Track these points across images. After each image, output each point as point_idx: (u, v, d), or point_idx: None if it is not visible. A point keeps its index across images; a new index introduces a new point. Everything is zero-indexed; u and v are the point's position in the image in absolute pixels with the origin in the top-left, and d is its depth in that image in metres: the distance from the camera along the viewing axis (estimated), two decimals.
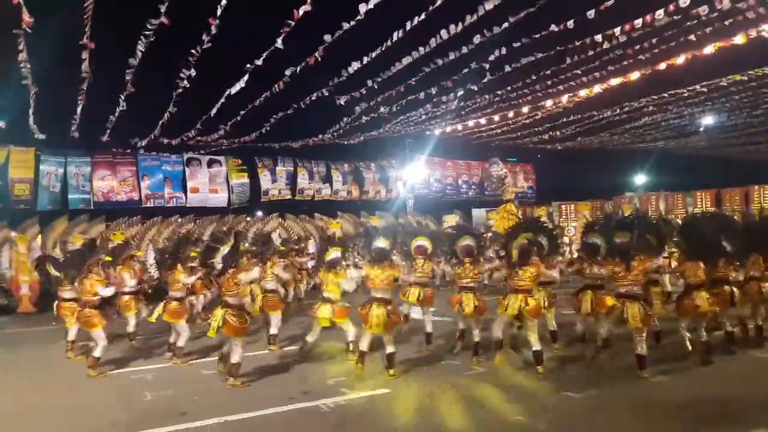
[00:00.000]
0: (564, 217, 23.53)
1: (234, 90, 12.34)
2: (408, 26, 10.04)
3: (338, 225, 19.54)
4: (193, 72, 11.29)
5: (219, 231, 10.71)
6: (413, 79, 12.76)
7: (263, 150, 21.42)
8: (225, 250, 7.76)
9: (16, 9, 8.44)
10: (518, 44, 11.07)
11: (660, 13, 9.65)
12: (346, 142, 20.42)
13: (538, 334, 7.78)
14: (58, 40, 10.17)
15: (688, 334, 8.24)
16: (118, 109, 13.57)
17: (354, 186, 24.36)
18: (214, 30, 9.59)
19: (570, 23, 10.13)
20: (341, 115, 16.06)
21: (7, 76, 11.21)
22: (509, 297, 7.78)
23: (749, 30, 10.88)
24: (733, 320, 9.03)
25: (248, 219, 21.65)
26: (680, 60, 12.23)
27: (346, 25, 9.77)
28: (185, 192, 20.66)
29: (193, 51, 10.52)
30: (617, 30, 10.36)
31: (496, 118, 17.74)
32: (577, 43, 11.06)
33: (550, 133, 20.47)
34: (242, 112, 14.59)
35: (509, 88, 13.99)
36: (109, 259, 10.05)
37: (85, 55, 10.20)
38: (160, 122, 15.00)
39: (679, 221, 10.64)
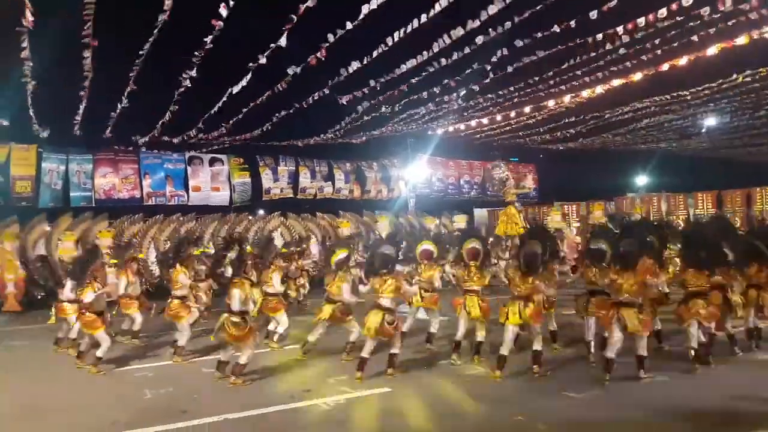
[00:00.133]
0: (567, 217, 23.54)
1: (236, 89, 12.36)
2: (410, 26, 10.05)
3: (347, 224, 19.55)
4: (195, 70, 11.31)
5: (226, 237, 10.73)
6: (415, 79, 12.77)
7: (265, 149, 21.45)
8: (232, 256, 7.81)
9: (19, 7, 8.46)
10: (520, 44, 11.07)
11: (663, 11, 9.63)
12: (349, 141, 20.42)
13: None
14: (60, 38, 10.18)
15: (689, 338, 8.23)
16: (119, 106, 13.59)
17: (356, 185, 24.37)
18: (216, 29, 9.61)
19: (572, 23, 10.13)
20: (343, 114, 16.09)
21: (9, 74, 11.24)
22: (509, 304, 7.76)
23: (752, 31, 10.87)
24: (736, 322, 9.01)
25: (250, 218, 21.65)
26: (683, 61, 12.22)
27: (348, 25, 9.78)
28: (187, 190, 20.70)
29: (195, 49, 10.54)
30: (620, 29, 10.35)
31: (499, 117, 17.74)
32: (579, 43, 11.05)
33: (552, 134, 20.46)
34: (244, 111, 14.61)
35: (512, 88, 13.99)
36: (115, 261, 10.06)
37: (87, 52, 10.22)
38: (162, 121, 15.02)
39: (681, 222, 10.62)
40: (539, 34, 10.63)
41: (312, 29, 10.11)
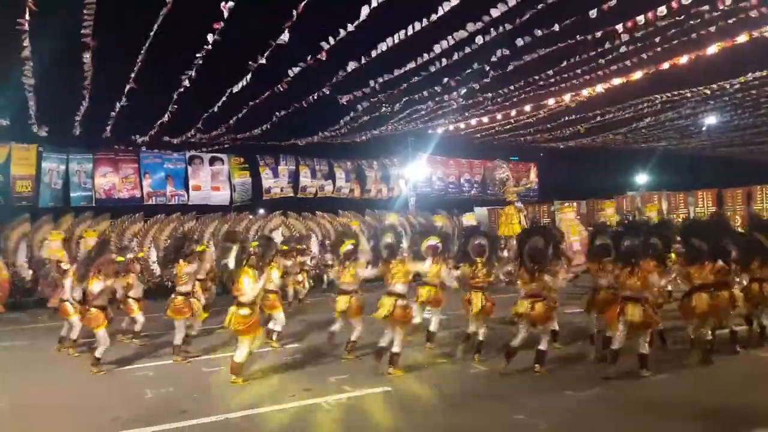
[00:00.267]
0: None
1: (236, 89, 12.36)
2: (411, 25, 10.04)
3: (356, 223, 19.58)
4: (195, 70, 11.31)
5: (231, 230, 10.73)
6: (416, 78, 12.76)
7: (265, 148, 21.45)
8: (236, 248, 7.82)
9: (19, 7, 8.46)
10: (521, 43, 11.06)
11: (662, 9, 9.62)
12: (349, 141, 20.42)
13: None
14: (60, 38, 10.18)
15: (692, 335, 8.24)
16: (119, 106, 13.59)
17: (356, 184, 24.38)
18: (217, 28, 9.60)
19: (572, 22, 10.12)
20: (344, 113, 16.08)
21: (9, 74, 11.23)
22: (519, 303, 7.79)
23: (752, 30, 10.86)
24: (738, 319, 9.03)
25: (250, 217, 21.67)
26: (683, 60, 12.21)
27: (349, 24, 9.77)
28: (187, 190, 20.70)
29: (195, 49, 10.54)
30: (620, 27, 10.35)
31: (499, 116, 17.74)
32: (579, 41, 11.04)
33: (553, 132, 20.46)
34: (244, 110, 14.61)
35: (512, 87, 13.99)
36: (122, 259, 10.04)
37: (87, 52, 10.22)
38: (163, 120, 15.02)
39: (680, 220, 10.63)
40: (539, 32, 10.62)
41: (312, 29, 10.11)
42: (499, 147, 23.28)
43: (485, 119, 18.25)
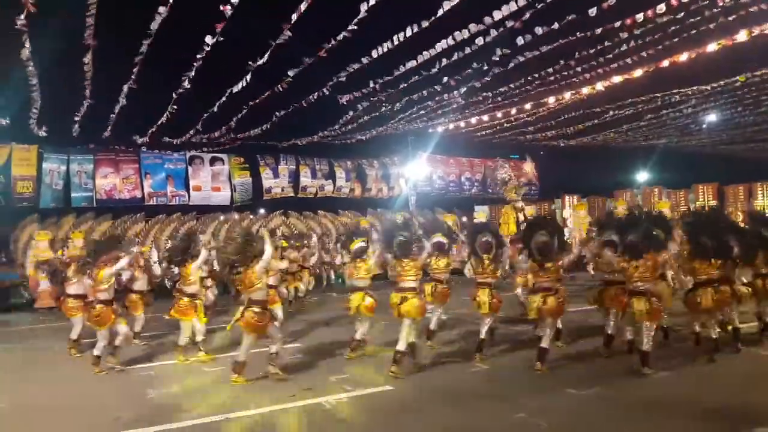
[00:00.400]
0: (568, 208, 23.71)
1: (236, 88, 12.37)
2: (411, 25, 10.04)
3: (367, 222, 19.59)
4: (195, 70, 11.31)
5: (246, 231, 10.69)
6: (416, 78, 12.77)
7: (265, 148, 21.46)
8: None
9: (19, 7, 8.45)
10: (521, 42, 11.06)
11: (662, 6, 9.62)
12: (349, 140, 20.41)
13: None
14: (61, 38, 10.18)
15: (698, 329, 8.24)
16: (120, 106, 13.59)
17: (356, 183, 24.38)
18: (217, 28, 9.61)
19: (572, 20, 10.12)
20: (344, 113, 16.08)
21: (10, 74, 11.24)
22: (531, 297, 7.82)
23: (752, 27, 10.85)
24: (742, 317, 9.04)
25: (251, 217, 21.69)
26: (683, 58, 12.21)
27: (348, 24, 9.77)
28: (188, 190, 20.72)
29: (195, 49, 10.54)
30: (619, 25, 10.34)
31: (499, 115, 17.73)
32: (580, 40, 11.04)
33: (553, 131, 20.45)
34: (245, 110, 14.62)
35: (512, 85, 13.98)
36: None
37: (87, 53, 10.22)
38: (163, 120, 15.03)
39: (676, 216, 10.68)
40: (540, 30, 10.62)
41: (312, 29, 10.11)
42: (499, 145, 23.30)
43: (485, 118, 18.25)
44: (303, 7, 9.11)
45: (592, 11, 9.72)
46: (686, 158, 27.64)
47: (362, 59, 11.41)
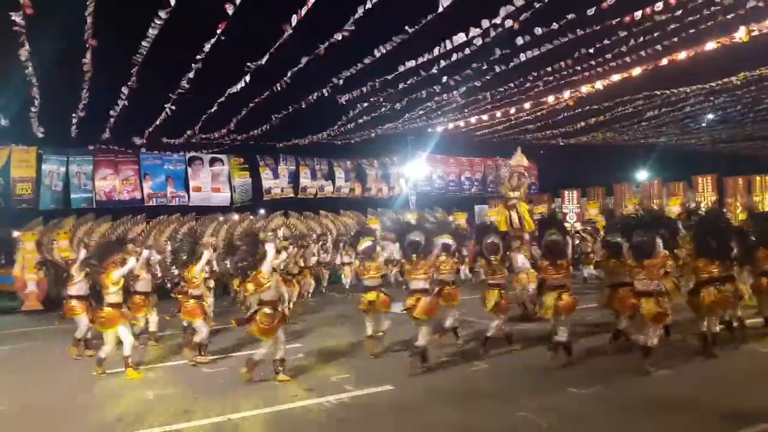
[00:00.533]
0: (568, 205, 23.79)
1: (236, 89, 12.36)
2: (410, 24, 10.03)
3: (376, 221, 19.60)
4: (195, 71, 11.30)
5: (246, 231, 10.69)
6: (415, 78, 12.76)
7: (265, 148, 21.46)
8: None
9: (18, 7, 8.44)
10: (521, 42, 11.06)
11: (659, 5, 9.62)
12: (349, 140, 20.41)
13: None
14: (60, 39, 10.18)
15: (703, 329, 8.25)
16: (119, 107, 13.58)
17: (356, 183, 24.37)
18: (217, 29, 9.60)
19: (571, 20, 10.12)
20: (343, 113, 16.08)
21: (9, 75, 11.23)
22: (545, 296, 7.84)
23: (751, 25, 10.84)
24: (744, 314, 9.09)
25: (251, 217, 21.69)
26: (682, 56, 12.21)
27: (348, 23, 9.76)
28: (188, 191, 20.71)
29: (195, 50, 10.54)
30: (616, 22, 10.34)
31: (498, 114, 17.73)
32: (579, 39, 11.03)
33: (553, 130, 20.44)
34: (244, 111, 14.62)
35: (511, 84, 13.98)
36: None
37: (87, 53, 10.21)
38: (162, 121, 15.02)
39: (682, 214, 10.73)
40: (539, 31, 10.61)
41: (311, 29, 10.09)
42: (499, 145, 23.28)
43: (485, 117, 18.24)
44: (302, 6, 9.09)
45: (591, 11, 9.71)
46: (686, 156, 27.64)
47: (362, 59, 11.40)
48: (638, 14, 9.97)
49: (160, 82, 12.73)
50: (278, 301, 7.81)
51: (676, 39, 11.18)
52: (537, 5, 9.45)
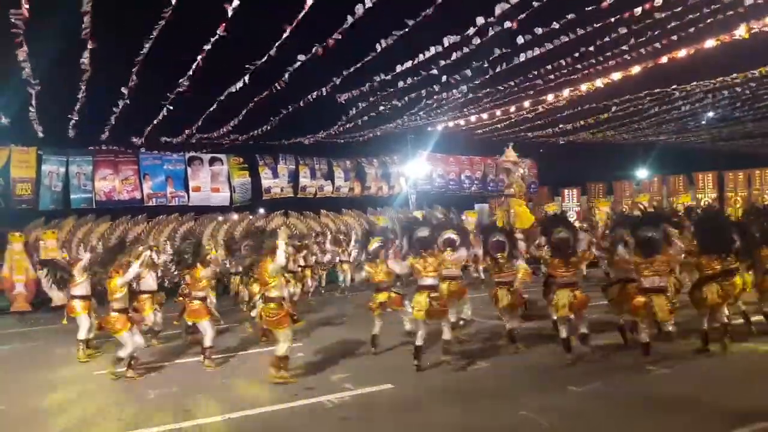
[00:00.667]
0: (568, 203, 23.86)
1: (235, 89, 12.34)
2: (410, 24, 10.01)
3: (384, 220, 19.58)
4: (194, 71, 11.28)
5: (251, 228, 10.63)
6: (415, 77, 12.74)
7: (265, 148, 21.44)
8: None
9: (17, 8, 8.43)
10: (522, 41, 11.04)
11: (659, 1, 9.61)
12: (349, 139, 20.39)
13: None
14: (59, 39, 10.15)
15: (705, 325, 8.26)
16: (119, 108, 13.56)
17: (356, 183, 24.35)
18: (216, 29, 9.58)
19: (572, 19, 10.12)
20: (343, 112, 16.06)
21: (8, 76, 11.21)
22: (558, 293, 7.84)
23: (751, 23, 10.83)
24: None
25: (250, 217, 21.69)
26: (681, 54, 12.20)
27: (347, 22, 9.74)
28: (187, 191, 20.68)
29: (194, 50, 10.52)
30: (615, 20, 10.33)
31: (498, 112, 17.72)
32: (579, 38, 11.02)
33: (553, 128, 20.43)
34: (244, 111, 14.60)
35: (512, 83, 13.96)
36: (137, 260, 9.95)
37: (86, 53, 10.19)
38: (162, 121, 15.00)
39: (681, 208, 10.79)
40: (539, 31, 10.60)
41: (311, 28, 10.07)
42: (499, 143, 23.24)
43: (485, 116, 18.23)
44: (302, 5, 9.06)
45: (590, 9, 9.71)
46: (686, 153, 27.64)
47: (361, 58, 11.38)
48: (638, 11, 9.96)
49: (159, 81, 12.70)
50: (284, 297, 7.76)
51: (675, 37, 11.17)
52: (536, 4, 9.44)
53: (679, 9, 9.95)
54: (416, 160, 24.37)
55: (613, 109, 17.49)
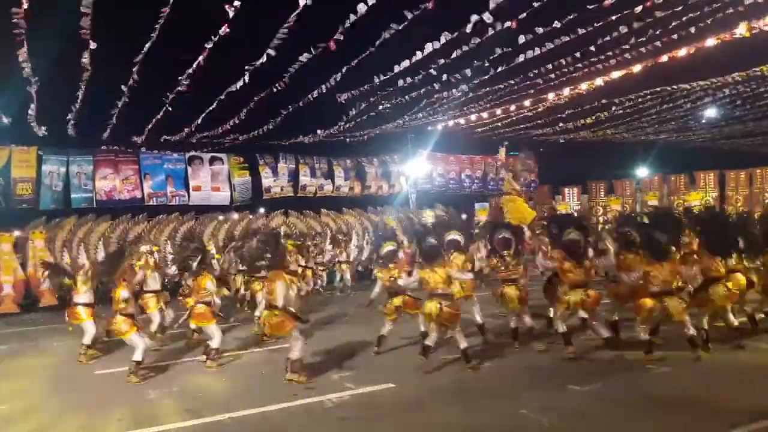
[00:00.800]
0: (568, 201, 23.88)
1: (235, 88, 12.33)
2: (410, 22, 10.00)
3: (393, 221, 19.59)
4: (195, 70, 11.27)
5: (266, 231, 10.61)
6: (416, 76, 12.73)
7: (265, 147, 21.43)
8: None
9: (18, 6, 8.42)
10: (523, 40, 11.03)
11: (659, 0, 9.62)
12: (349, 139, 20.38)
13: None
14: (59, 38, 10.15)
15: (705, 325, 8.26)
16: (117, 108, 13.56)
17: (356, 182, 24.34)
18: (216, 28, 9.57)
19: (572, 18, 10.11)
20: (343, 112, 16.06)
21: (8, 75, 11.21)
22: (570, 293, 7.82)
23: (752, 21, 10.82)
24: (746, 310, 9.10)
25: (250, 216, 21.69)
26: (682, 52, 12.19)
27: (348, 21, 9.73)
28: (188, 190, 20.69)
29: (195, 49, 10.52)
30: (618, 20, 10.32)
31: (498, 111, 17.71)
32: (579, 37, 11.01)
33: (553, 127, 20.42)
34: (244, 111, 14.59)
35: (512, 81, 13.95)
36: (140, 263, 9.94)
37: (86, 53, 10.19)
38: (162, 121, 15.00)
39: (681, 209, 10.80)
40: (540, 30, 10.59)
41: (311, 27, 10.06)
42: (499, 142, 23.24)
43: (485, 115, 18.22)
44: (301, 5, 9.05)
45: (591, 8, 9.70)
46: (686, 152, 27.62)
47: (361, 57, 11.37)
48: (638, 9, 9.95)
49: (159, 81, 12.69)
50: (287, 308, 7.71)
51: (676, 36, 11.16)
52: (536, 4, 9.43)
53: (680, 8, 9.93)
54: (416, 159, 24.36)
55: (614, 108, 17.49)
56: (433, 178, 25.68)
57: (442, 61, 11.75)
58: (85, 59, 10.44)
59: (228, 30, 9.51)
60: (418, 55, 11.42)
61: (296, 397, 6.80)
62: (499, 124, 19.48)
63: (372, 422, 6.07)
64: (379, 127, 18.95)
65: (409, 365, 7.90)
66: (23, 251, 16.48)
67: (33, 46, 9.79)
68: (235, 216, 21.35)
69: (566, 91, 15.42)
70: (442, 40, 10.73)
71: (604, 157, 27.35)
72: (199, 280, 8.92)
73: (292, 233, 18.47)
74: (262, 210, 24.02)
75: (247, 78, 11.74)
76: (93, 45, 9.78)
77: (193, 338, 10.26)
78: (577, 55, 12.11)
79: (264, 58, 10.76)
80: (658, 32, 11.05)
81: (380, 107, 15.43)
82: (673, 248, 7.81)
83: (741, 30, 11.04)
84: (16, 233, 16.88)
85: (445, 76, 13.06)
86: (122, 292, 8.14)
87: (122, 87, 12.08)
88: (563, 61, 12.53)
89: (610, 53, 12.00)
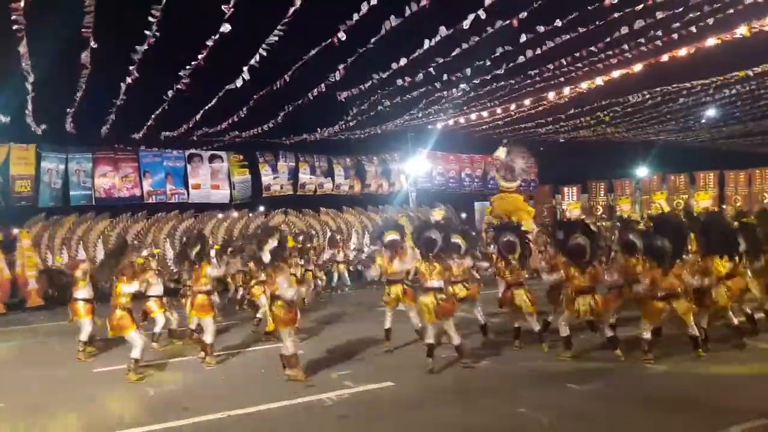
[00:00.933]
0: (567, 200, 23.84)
1: (235, 86, 12.32)
2: (409, 22, 10.00)
3: (404, 219, 19.56)
4: (194, 68, 11.26)
5: (267, 225, 10.60)
6: (416, 76, 12.73)
7: (264, 145, 21.42)
8: (273, 243, 7.67)
9: (18, 5, 8.41)
10: (524, 39, 11.03)
11: None
12: (349, 138, 20.39)
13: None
14: (59, 37, 10.14)
15: (704, 325, 8.24)
16: (118, 105, 13.55)
17: (356, 180, 24.34)
18: (216, 26, 9.56)
19: (573, 18, 10.11)
20: (343, 110, 16.07)
21: (8, 73, 11.20)
22: (577, 299, 7.80)
23: (752, 22, 10.83)
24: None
25: (250, 215, 21.68)
26: (682, 52, 12.19)
27: (348, 20, 9.72)
28: (187, 188, 20.67)
29: (195, 47, 10.51)
30: (618, 20, 10.32)
31: (499, 110, 17.71)
32: (580, 37, 11.01)
33: (553, 126, 20.42)
34: (244, 108, 14.58)
35: (512, 81, 13.95)
36: (141, 261, 9.91)
37: (86, 51, 10.17)
38: (162, 119, 15.00)
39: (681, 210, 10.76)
40: (541, 29, 10.59)
41: (311, 26, 10.07)
42: (499, 141, 23.24)
43: (485, 114, 18.22)
44: (301, 4, 9.04)
45: (592, 7, 9.70)
46: (685, 152, 27.67)
47: (362, 56, 11.36)
48: (639, 8, 9.95)
49: (159, 79, 12.70)
50: (293, 299, 7.69)
51: (676, 36, 11.16)
52: (537, 4, 9.42)
53: (681, 9, 9.93)
54: (416, 158, 24.38)
55: (612, 108, 17.50)
56: (433, 176, 25.69)
57: (442, 59, 11.74)
58: (85, 57, 10.42)
59: (228, 27, 9.50)
60: (418, 53, 11.42)
61: (296, 396, 6.79)
62: (500, 123, 19.48)
63: (371, 421, 6.06)
64: (379, 125, 18.94)
65: (410, 364, 7.90)
66: (10, 251, 16.36)
67: (32, 43, 9.78)
68: (235, 214, 21.33)
69: (566, 91, 15.42)
70: (442, 36, 10.72)
71: (604, 157, 27.40)
72: (198, 269, 8.90)
73: (292, 232, 18.44)
74: (261, 208, 24.02)
75: (247, 75, 11.72)
76: (93, 44, 9.76)
77: (192, 337, 10.23)
78: (578, 54, 12.11)
79: (264, 56, 10.75)
80: (658, 32, 11.06)
81: (380, 106, 15.42)
82: (678, 261, 7.72)
83: (741, 30, 11.04)
84: None
85: (445, 76, 13.06)
86: (123, 287, 8.15)
87: (121, 84, 12.07)
88: (564, 61, 12.53)
89: (610, 53, 12.00)
